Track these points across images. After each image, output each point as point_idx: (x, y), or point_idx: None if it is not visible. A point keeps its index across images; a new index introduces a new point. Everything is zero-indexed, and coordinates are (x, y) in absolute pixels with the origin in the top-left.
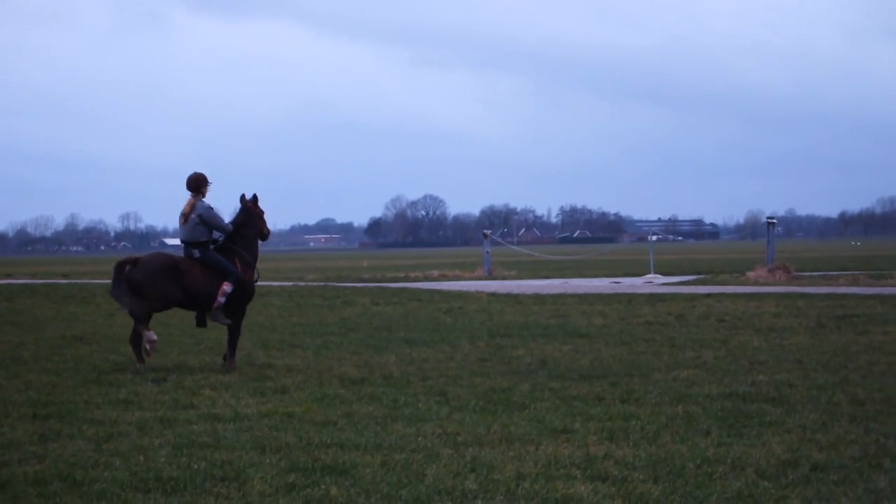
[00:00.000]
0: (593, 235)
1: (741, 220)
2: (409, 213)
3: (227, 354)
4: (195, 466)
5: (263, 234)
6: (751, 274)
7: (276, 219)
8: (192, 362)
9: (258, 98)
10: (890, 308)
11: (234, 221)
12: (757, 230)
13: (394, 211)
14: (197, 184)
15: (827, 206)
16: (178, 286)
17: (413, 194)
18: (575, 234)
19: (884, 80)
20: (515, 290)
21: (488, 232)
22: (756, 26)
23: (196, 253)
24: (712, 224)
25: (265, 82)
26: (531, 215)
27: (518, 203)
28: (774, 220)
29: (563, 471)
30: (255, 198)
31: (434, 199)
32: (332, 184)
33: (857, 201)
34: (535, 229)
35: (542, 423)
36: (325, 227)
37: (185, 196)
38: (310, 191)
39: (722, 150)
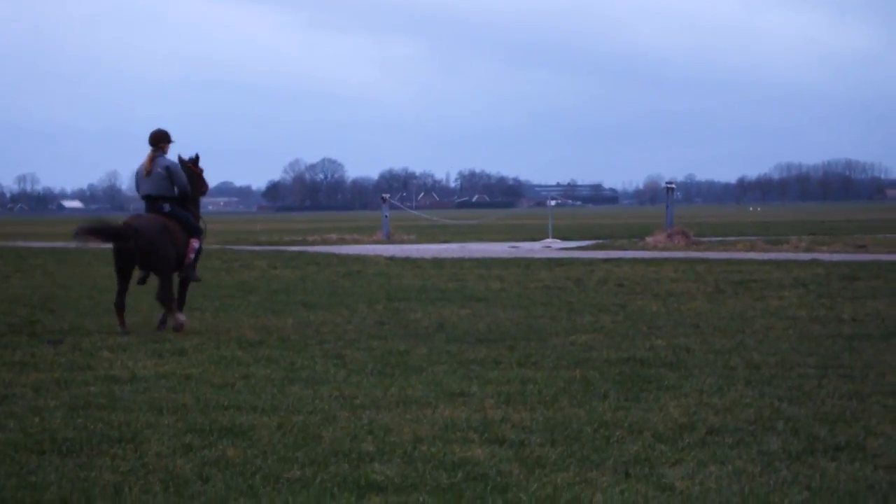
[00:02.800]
0: (492, 200)
1: (640, 186)
2: (307, 176)
3: (165, 315)
4: (91, 428)
5: (202, 192)
6: (650, 239)
7: None
8: (90, 325)
9: (154, 58)
10: (785, 273)
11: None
12: (656, 195)
13: (292, 174)
14: (158, 138)
15: (726, 172)
16: (174, 247)
17: (311, 158)
18: (474, 199)
19: (781, 45)
20: (414, 254)
21: (387, 196)
22: None
23: (166, 207)
24: (611, 189)
25: (161, 43)
26: (430, 179)
27: (417, 167)
28: (673, 186)
29: (460, 434)
30: (196, 157)
31: (332, 162)
32: (230, 147)
33: (755, 167)
34: (433, 193)
35: (440, 387)
36: (224, 190)
37: (87, 158)
38: (207, 154)
39: (621, 114)
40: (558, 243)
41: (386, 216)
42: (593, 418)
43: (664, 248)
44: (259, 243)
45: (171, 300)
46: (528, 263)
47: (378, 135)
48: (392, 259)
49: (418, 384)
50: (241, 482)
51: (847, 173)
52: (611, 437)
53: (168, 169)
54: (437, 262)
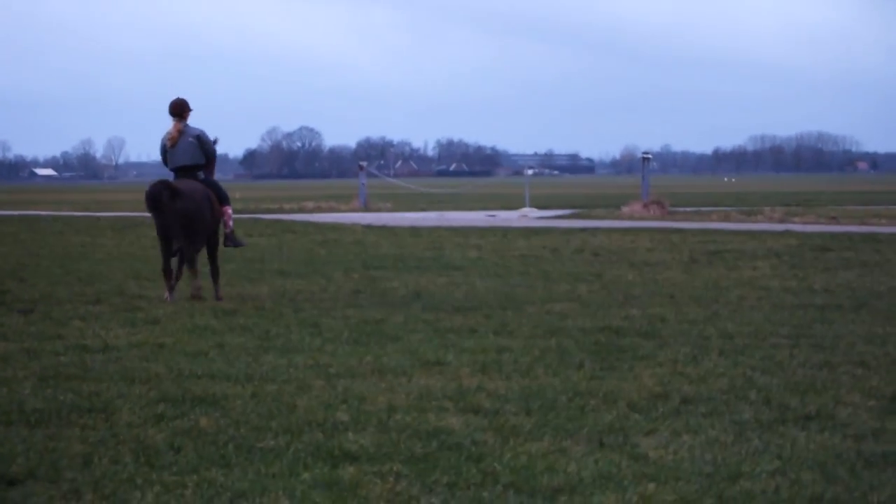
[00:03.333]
0: (470, 169)
1: (617, 156)
2: (284, 144)
3: (216, 287)
4: (61, 398)
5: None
6: (626, 209)
7: (150, 150)
8: (61, 293)
9: (129, 26)
10: (759, 244)
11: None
12: (632, 165)
13: (269, 142)
14: (181, 108)
15: (701, 143)
16: (213, 217)
17: (288, 126)
18: (451, 168)
19: (756, 18)
20: (391, 223)
21: (364, 164)
22: None
23: (201, 175)
24: (588, 159)
25: (135, 10)
26: (408, 148)
27: (395, 136)
28: (650, 156)
29: (436, 403)
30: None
31: (310, 130)
32: (207, 115)
33: (729, 139)
34: (411, 162)
35: (415, 355)
36: None
37: (61, 126)
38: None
39: (598, 85)
40: (535, 212)
41: (363, 184)
42: (568, 387)
43: (640, 218)
44: (235, 211)
45: (191, 261)
46: (504, 232)
47: (356, 103)
48: (369, 227)
49: (394, 353)
50: (214, 451)
51: (819, 146)
52: (585, 406)
53: (199, 138)
54: (415, 231)
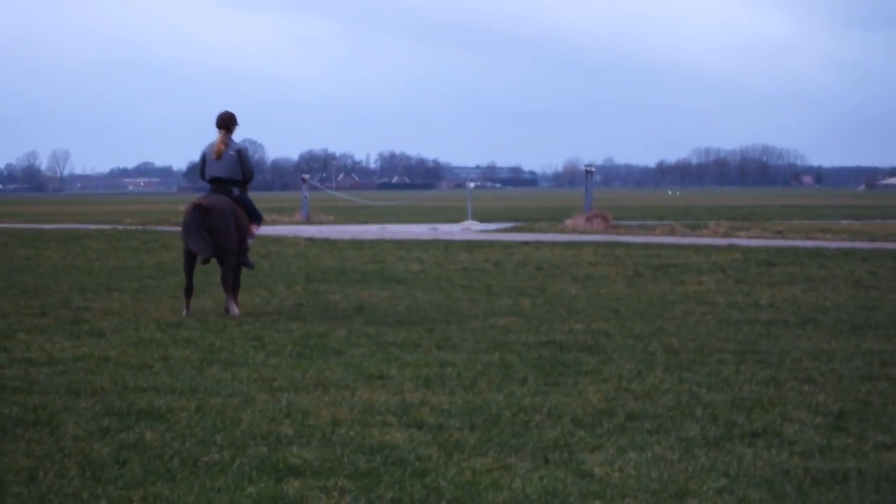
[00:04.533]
0: (412, 181)
1: (560, 168)
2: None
3: (229, 299)
4: (6, 411)
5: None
6: (569, 222)
7: (95, 162)
8: (6, 306)
9: (67, 39)
10: (704, 258)
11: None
12: (575, 178)
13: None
14: (227, 121)
15: (645, 156)
16: (238, 231)
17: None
18: (394, 180)
19: (700, 30)
20: (333, 236)
21: (307, 177)
22: None
23: (235, 191)
24: (531, 172)
25: (77, 22)
26: (350, 160)
27: (337, 148)
28: (593, 169)
29: (379, 417)
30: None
31: (252, 143)
32: (151, 127)
33: (674, 151)
34: (353, 174)
35: (358, 369)
36: (145, 170)
37: (4, 138)
38: (128, 134)
39: (541, 97)
40: (477, 225)
41: (305, 197)
42: (512, 403)
43: (583, 232)
44: (179, 224)
45: (233, 285)
46: (447, 245)
47: (298, 115)
48: (311, 240)
49: (337, 367)
50: (159, 465)
51: (764, 159)
52: (530, 421)
53: (240, 153)
54: (357, 244)
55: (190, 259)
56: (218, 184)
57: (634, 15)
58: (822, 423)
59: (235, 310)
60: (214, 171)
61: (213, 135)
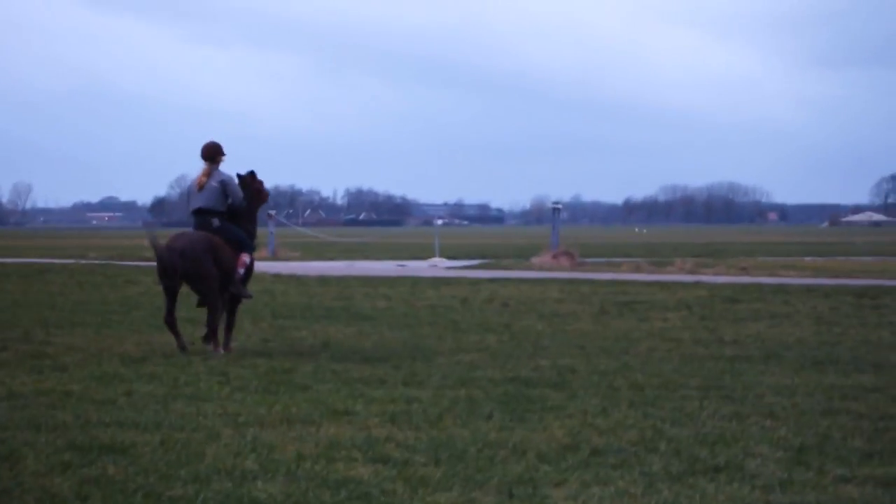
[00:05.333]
0: (379, 218)
1: (527, 206)
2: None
3: (208, 334)
4: None
5: (263, 201)
6: (535, 259)
7: (58, 196)
8: None
9: (28, 69)
10: (670, 295)
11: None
12: (543, 216)
13: (178, 190)
14: (212, 152)
15: (612, 193)
16: (217, 266)
17: (197, 173)
18: (361, 217)
19: (665, 67)
20: (300, 272)
21: (273, 213)
22: (537, 7)
23: (216, 222)
24: (498, 209)
25: (40, 53)
26: (317, 197)
27: (304, 184)
28: (560, 206)
29: (345, 452)
30: (252, 173)
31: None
32: (115, 161)
33: (640, 188)
34: (321, 211)
35: (324, 405)
36: (109, 205)
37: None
38: (92, 168)
39: (507, 133)
40: (445, 262)
41: (272, 233)
42: (477, 438)
43: (550, 269)
44: (144, 259)
45: (216, 326)
46: (414, 282)
47: (264, 150)
48: (277, 276)
49: (303, 402)
50: (122, 500)
51: (730, 196)
52: (495, 456)
53: (223, 183)
54: (324, 280)
55: (168, 291)
56: (199, 215)
57: (602, 50)
58: (784, 457)
59: (219, 350)
60: (195, 202)
61: (175, 168)
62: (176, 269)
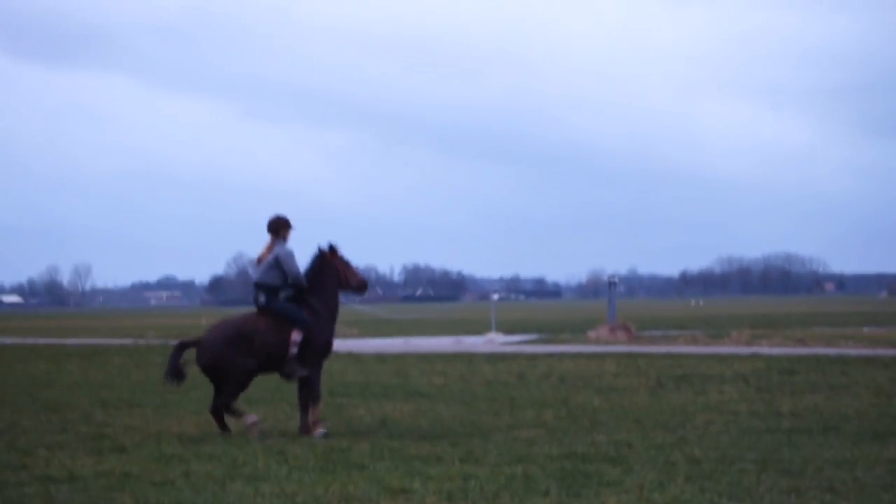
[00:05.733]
0: (436, 294)
1: (583, 279)
2: (250, 270)
3: (301, 416)
4: None
5: (349, 284)
6: (592, 333)
7: (117, 276)
8: (26, 422)
9: (86, 152)
10: (726, 367)
11: (307, 273)
12: (599, 289)
13: (235, 268)
14: (276, 226)
15: (668, 265)
16: (248, 353)
17: (254, 252)
18: (418, 293)
19: (718, 137)
20: (356, 349)
21: None
22: (587, 81)
23: (262, 298)
24: (554, 283)
25: (92, 136)
26: (374, 273)
27: (360, 261)
28: (616, 280)
29: None
30: (332, 248)
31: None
32: (173, 240)
33: (696, 260)
34: (377, 287)
35: (381, 483)
36: (167, 284)
37: (26, 253)
38: (149, 247)
39: (562, 207)
40: (501, 337)
41: None
42: None
43: (606, 343)
44: None
45: (225, 407)
46: (470, 358)
47: (319, 227)
48: (335, 354)
49: (360, 481)
50: None
51: (787, 266)
52: None
53: (277, 258)
54: (381, 357)
55: (211, 381)
56: (256, 289)
57: (651, 122)
58: None
59: (319, 430)
60: (254, 276)
61: (233, 246)
62: (199, 362)
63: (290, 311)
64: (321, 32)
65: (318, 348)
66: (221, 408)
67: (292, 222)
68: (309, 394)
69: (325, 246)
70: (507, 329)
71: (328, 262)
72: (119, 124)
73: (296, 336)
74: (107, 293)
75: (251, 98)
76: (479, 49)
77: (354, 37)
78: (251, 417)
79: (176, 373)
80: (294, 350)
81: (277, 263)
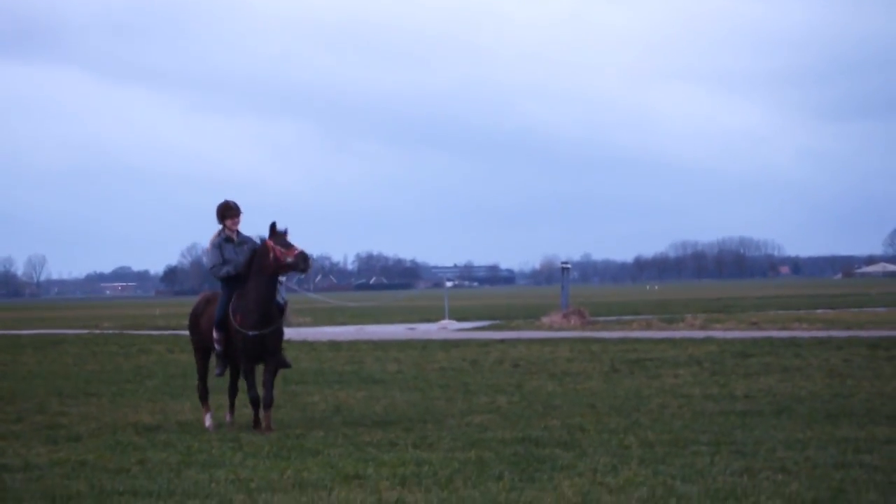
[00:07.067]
0: (390, 282)
1: (537, 266)
2: (204, 260)
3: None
4: None
5: (286, 262)
6: (545, 319)
7: (72, 267)
8: None
9: (37, 145)
10: (681, 351)
11: (247, 262)
12: (552, 275)
13: (189, 258)
14: (221, 211)
15: (622, 251)
16: (196, 331)
17: (207, 242)
18: (371, 281)
19: (670, 122)
20: (311, 337)
21: (283, 279)
22: (538, 68)
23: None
24: (508, 270)
25: (43, 128)
26: (327, 262)
27: (314, 250)
28: (569, 265)
29: None
30: (271, 227)
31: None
32: (127, 232)
33: (651, 245)
34: (331, 276)
35: (335, 469)
36: (122, 275)
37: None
38: (104, 239)
39: (515, 194)
40: (455, 324)
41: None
42: (488, 499)
43: (560, 328)
44: (157, 327)
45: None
46: (424, 345)
47: (273, 217)
48: (288, 342)
49: (314, 467)
50: None
51: (741, 250)
52: None
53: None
54: (335, 345)
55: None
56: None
57: (601, 109)
58: None
59: (208, 422)
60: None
61: (187, 237)
62: None
63: (218, 307)
64: (268, 22)
65: (241, 344)
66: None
67: (240, 208)
68: (247, 392)
69: (269, 225)
70: (461, 316)
71: (262, 248)
72: (70, 117)
73: (214, 334)
74: (62, 284)
75: (200, 90)
76: (429, 37)
77: (302, 26)
78: (208, 419)
79: None
80: (217, 347)
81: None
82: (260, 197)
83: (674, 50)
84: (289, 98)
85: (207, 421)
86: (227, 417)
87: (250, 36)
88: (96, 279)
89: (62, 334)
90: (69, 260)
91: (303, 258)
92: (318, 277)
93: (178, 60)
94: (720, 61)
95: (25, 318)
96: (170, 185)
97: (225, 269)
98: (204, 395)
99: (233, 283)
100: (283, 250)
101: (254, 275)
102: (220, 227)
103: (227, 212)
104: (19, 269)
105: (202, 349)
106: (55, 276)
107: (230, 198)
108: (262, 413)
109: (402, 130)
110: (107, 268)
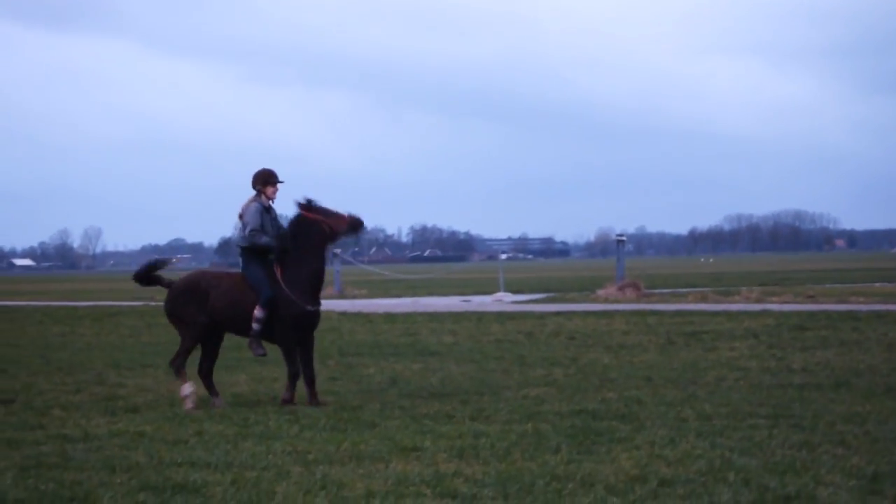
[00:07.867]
0: (444, 254)
1: (591, 238)
2: (240, 222)
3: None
4: (42, 488)
5: (339, 230)
6: (601, 292)
7: (127, 239)
8: (43, 383)
9: (90, 116)
10: (737, 324)
11: (282, 233)
12: (607, 248)
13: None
14: (254, 180)
15: (677, 223)
16: (200, 308)
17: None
18: (426, 253)
19: (724, 95)
20: (366, 310)
21: (338, 251)
22: (592, 42)
23: (241, 261)
24: (563, 242)
25: (95, 99)
26: (382, 234)
27: (369, 222)
28: (624, 238)
29: (413, 488)
30: (307, 202)
31: (284, 218)
32: (182, 204)
33: (705, 218)
34: (386, 248)
35: (392, 441)
36: (176, 247)
37: (38, 216)
38: (159, 211)
39: (570, 167)
40: (510, 297)
41: (338, 271)
42: (545, 471)
43: (615, 301)
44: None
45: (179, 368)
46: (480, 317)
47: (326, 190)
48: (344, 314)
49: (371, 439)
50: None
51: (796, 224)
52: (563, 490)
53: (240, 214)
54: (390, 317)
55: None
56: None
57: (656, 81)
58: (856, 485)
59: (187, 392)
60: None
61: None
62: (164, 307)
63: (257, 283)
64: None
65: (290, 319)
66: (174, 367)
67: (278, 176)
68: (288, 368)
69: (301, 200)
70: (516, 288)
71: (305, 220)
72: (124, 88)
73: (257, 312)
74: (117, 256)
75: (252, 61)
76: (483, 9)
77: None
78: (186, 388)
79: (140, 277)
80: (256, 327)
81: (241, 220)
82: (311, 168)
83: (729, 21)
84: (340, 70)
85: (187, 390)
86: (217, 402)
87: (303, 7)
88: (151, 251)
89: (118, 306)
90: (125, 232)
91: (357, 223)
92: (373, 249)
93: (231, 32)
94: (776, 33)
95: (82, 290)
96: (221, 158)
97: (265, 239)
98: (181, 368)
99: (256, 257)
100: (333, 218)
101: (301, 248)
102: (255, 192)
103: (271, 178)
104: (76, 241)
105: (203, 325)
106: (111, 248)
107: (286, 170)
108: (297, 390)
109: (455, 102)
110: (161, 240)
